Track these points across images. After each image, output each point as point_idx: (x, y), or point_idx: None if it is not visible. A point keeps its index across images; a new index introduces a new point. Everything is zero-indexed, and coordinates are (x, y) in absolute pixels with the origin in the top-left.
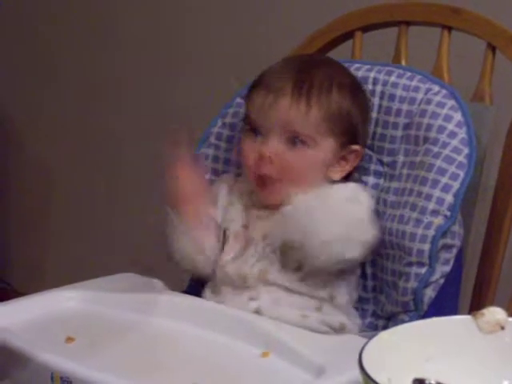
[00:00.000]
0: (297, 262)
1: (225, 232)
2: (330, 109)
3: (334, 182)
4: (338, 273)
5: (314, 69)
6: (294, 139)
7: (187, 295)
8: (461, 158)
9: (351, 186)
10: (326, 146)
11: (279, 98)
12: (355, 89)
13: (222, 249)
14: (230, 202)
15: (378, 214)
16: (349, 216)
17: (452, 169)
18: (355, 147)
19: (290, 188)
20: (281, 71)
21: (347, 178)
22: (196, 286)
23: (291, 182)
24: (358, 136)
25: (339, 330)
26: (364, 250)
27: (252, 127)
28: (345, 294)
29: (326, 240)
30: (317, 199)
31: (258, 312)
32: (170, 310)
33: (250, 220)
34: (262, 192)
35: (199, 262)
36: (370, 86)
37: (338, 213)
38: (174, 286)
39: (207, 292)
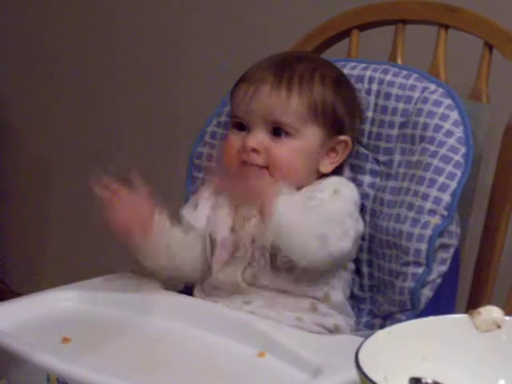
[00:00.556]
0: (287, 264)
1: (210, 237)
2: (312, 98)
3: (324, 175)
4: (331, 270)
5: (295, 62)
6: (278, 130)
7: (184, 295)
8: (458, 157)
9: (333, 180)
10: (311, 136)
11: (259, 88)
12: (339, 82)
13: (212, 254)
14: (217, 203)
15: (375, 212)
16: (327, 215)
17: (449, 168)
18: (343, 137)
19: (279, 176)
20: (262, 65)
21: (337, 172)
22: (193, 286)
23: (277, 172)
24: (344, 127)
25: (334, 330)
26: (350, 244)
27: (236, 123)
28: (339, 291)
29: (305, 241)
30: (293, 201)
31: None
32: (167, 309)
33: (238, 222)
34: (245, 174)
35: (180, 277)
36: (365, 85)
37: (316, 213)
38: (170, 286)
39: (199, 296)
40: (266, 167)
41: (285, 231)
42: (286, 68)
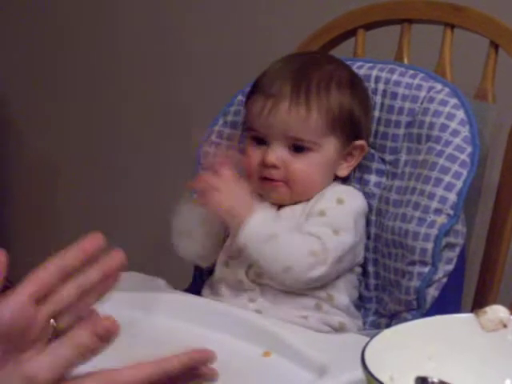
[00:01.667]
0: None
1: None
2: (331, 109)
3: (340, 179)
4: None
5: (310, 68)
6: (298, 146)
7: (189, 294)
8: (464, 157)
9: (340, 188)
10: (330, 147)
11: (277, 104)
12: (354, 83)
13: (221, 247)
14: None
15: (381, 212)
16: (301, 243)
17: (455, 167)
18: (359, 142)
19: (296, 189)
20: (277, 74)
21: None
22: (198, 284)
23: (296, 186)
24: (361, 131)
25: (339, 329)
26: (323, 270)
27: (254, 136)
28: (344, 293)
29: (270, 269)
30: (263, 228)
31: (257, 313)
32: (172, 308)
33: None
34: (265, 189)
35: (199, 258)
36: (372, 84)
37: (285, 243)
38: (176, 284)
39: (206, 292)
40: (284, 181)
41: (251, 257)
42: (303, 78)
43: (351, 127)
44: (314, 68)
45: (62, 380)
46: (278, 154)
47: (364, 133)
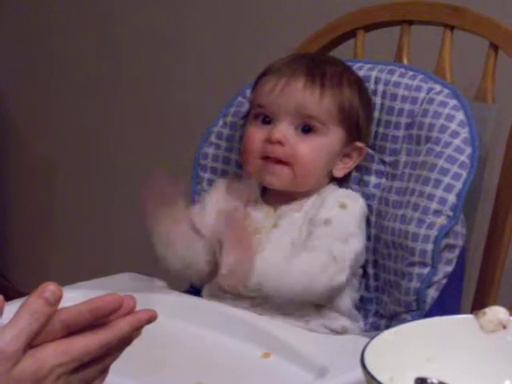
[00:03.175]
0: None
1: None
2: (342, 101)
3: (335, 180)
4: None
5: (323, 64)
6: (306, 126)
7: (189, 295)
8: (463, 158)
9: (341, 193)
10: (336, 136)
11: (292, 81)
12: (361, 87)
13: (220, 255)
14: (223, 210)
15: (380, 213)
16: (315, 259)
17: (454, 168)
18: (359, 144)
19: (299, 172)
20: (290, 62)
21: (347, 176)
22: (198, 286)
23: (299, 168)
24: (362, 134)
25: (342, 333)
26: (343, 277)
27: (259, 113)
28: (346, 296)
29: (288, 295)
30: (274, 257)
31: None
32: (171, 309)
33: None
34: (264, 175)
35: (189, 276)
36: (371, 86)
37: (300, 263)
38: (175, 285)
39: (206, 294)
40: (286, 163)
41: (268, 294)
42: (317, 67)
43: (356, 126)
44: (327, 64)
45: (28, 349)
46: (284, 131)
47: (364, 137)
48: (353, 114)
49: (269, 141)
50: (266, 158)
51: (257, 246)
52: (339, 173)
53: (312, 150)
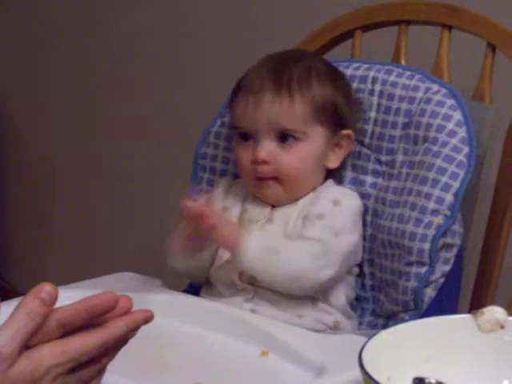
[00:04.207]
0: None
1: None
2: (313, 98)
3: (330, 171)
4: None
5: (289, 62)
6: (285, 136)
7: (186, 294)
8: (461, 157)
9: (335, 190)
10: (317, 136)
11: (260, 97)
12: (334, 74)
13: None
14: (224, 207)
15: (377, 212)
16: (303, 252)
17: (452, 168)
18: (346, 132)
19: (288, 184)
20: (257, 72)
21: (340, 171)
22: (196, 286)
23: (288, 181)
24: (345, 120)
25: (334, 328)
26: (332, 271)
27: (241, 133)
28: (341, 293)
29: (278, 283)
30: (262, 248)
31: (252, 312)
32: (169, 309)
33: (244, 224)
34: (260, 192)
35: (194, 274)
36: (369, 85)
37: (288, 254)
38: (173, 285)
39: (204, 292)
40: (275, 177)
41: (258, 277)
42: (283, 71)
43: (336, 116)
44: (293, 62)
45: (23, 349)
46: (267, 148)
47: (349, 122)
48: (329, 108)
49: (255, 162)
50: (257, 178)
51: (247, 234)
52: (333, 164)
53: (297, 161)
